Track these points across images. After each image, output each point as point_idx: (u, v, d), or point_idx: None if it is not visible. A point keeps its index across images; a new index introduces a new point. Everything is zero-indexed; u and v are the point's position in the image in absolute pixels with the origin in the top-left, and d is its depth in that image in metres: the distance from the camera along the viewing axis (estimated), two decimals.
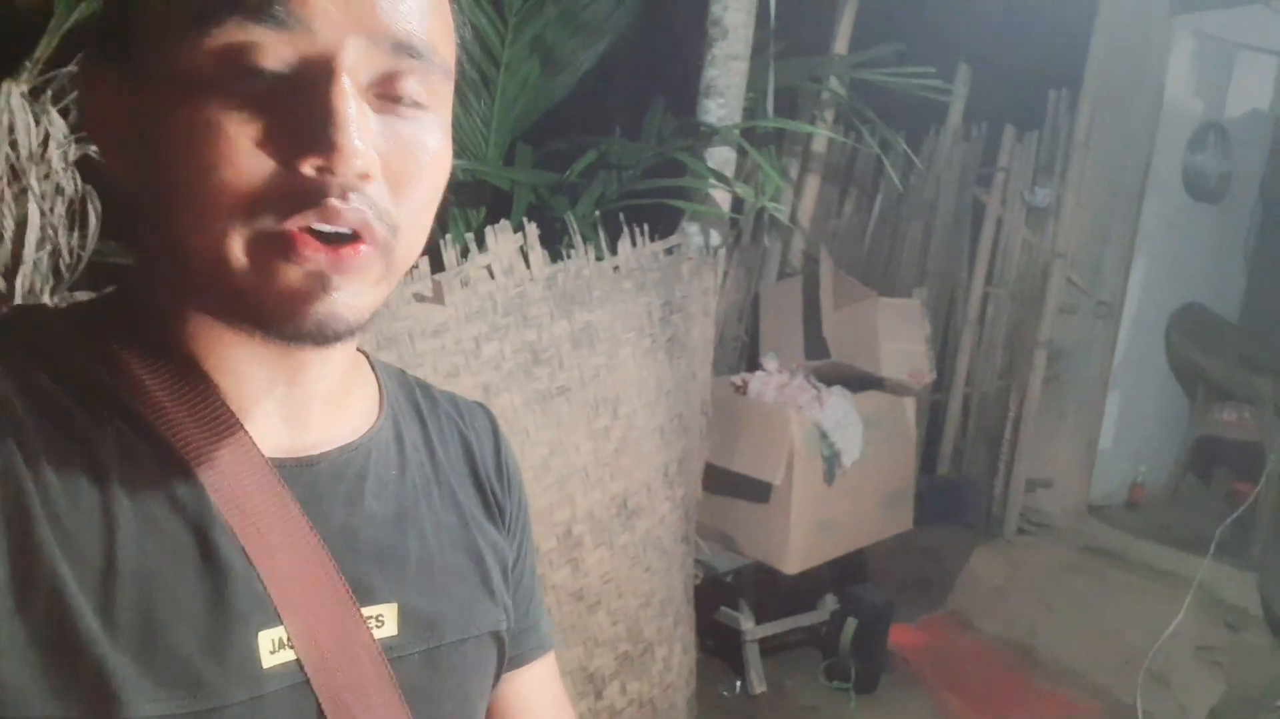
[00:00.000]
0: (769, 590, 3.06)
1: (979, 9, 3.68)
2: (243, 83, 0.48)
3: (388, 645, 0.60)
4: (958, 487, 4.26)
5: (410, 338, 1.80)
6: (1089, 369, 4.11)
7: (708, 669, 2.99)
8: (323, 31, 0.49)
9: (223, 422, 0.55)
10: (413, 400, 0.71)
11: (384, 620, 0.60)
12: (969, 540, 3.99)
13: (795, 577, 2.89)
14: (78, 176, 1.54)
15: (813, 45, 3.30)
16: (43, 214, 1.50)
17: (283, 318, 0.51)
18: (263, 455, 0.57)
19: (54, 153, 1.49)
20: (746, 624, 2.99)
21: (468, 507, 0.71)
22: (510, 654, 0.72)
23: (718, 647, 3.12)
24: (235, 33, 0.48)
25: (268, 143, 0.48)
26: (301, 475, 0.59)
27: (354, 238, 0.50)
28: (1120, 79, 3.93)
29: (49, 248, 1.53)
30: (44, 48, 1.52)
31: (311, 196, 0.49)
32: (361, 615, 0.59)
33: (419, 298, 1.82)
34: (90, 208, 1.56)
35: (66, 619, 0.48)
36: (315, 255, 0.49)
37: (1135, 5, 3.89)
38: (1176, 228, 4.28)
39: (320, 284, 0.50)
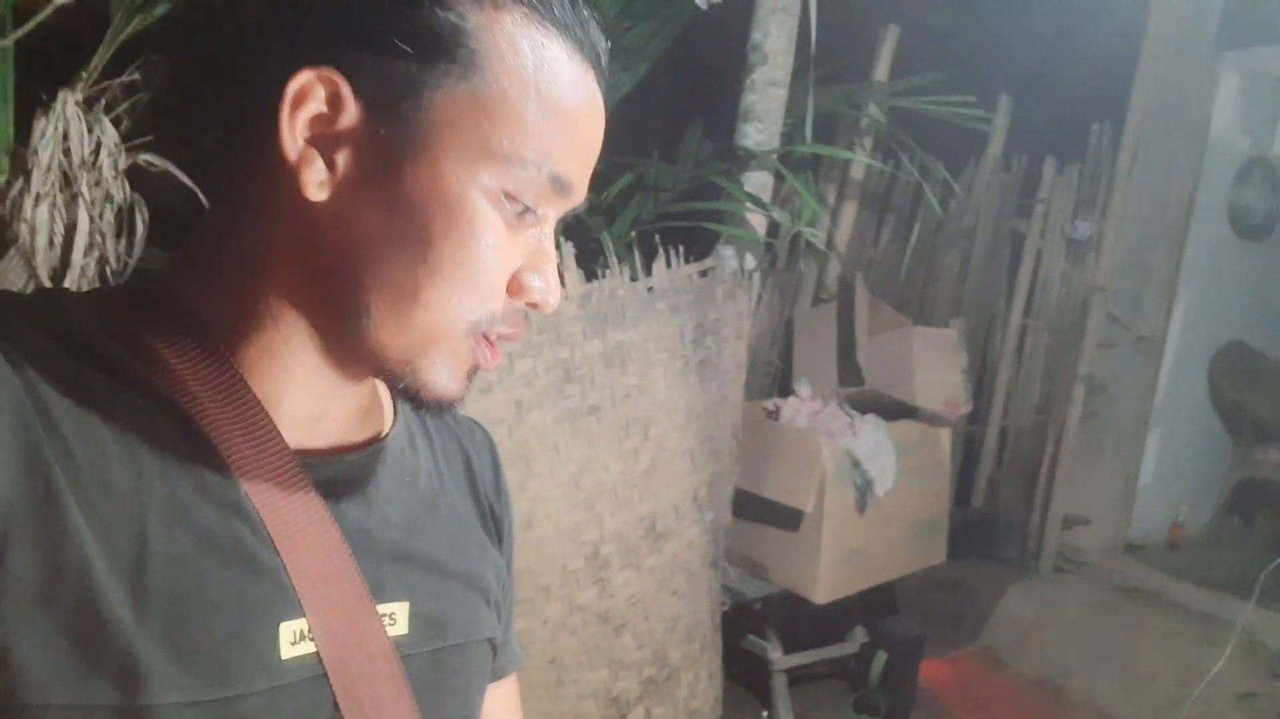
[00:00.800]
0: (798, 620, 3.02)
1: (1021, 41, 3.68)
2: (514, 215, 0.56)
3: (399, 643, 0.61)
4: (992, 521, 4.20)
5: None
6: (1129, 405, 4.05)
7: (733, 697, 2.95)
8: (574, 202, 0.59)
9: (253, 414, 0.56)
10: (419, 413, 0.73)
11: (396, 619, 0.61)
12: (1003, 576, 3.92)
13: (824, 607, 2.86)
14: (127, 185, 1.57)
15: (853, 72, 3.31)
16: (91, 220, 1.54)
17: (441, 395, 0.58)
18: (290, 450, 0.57)
19: (105, 161, 1.53)
20: (774, 653, 2.95)
21: (468, 519, 0.72)
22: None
23: (744, 675, 3.08)
24: (536, 184, 0.56)
25: (506, 270, 0.57)
26: (322, 473, 0.60)
27: None
28: (1164, 113, 3.89)
29: (96, 254, 1.56)
30: (99, 58, 1.56)
31: (514, 320, 0.59)
32: (377, 612, 0.60)
33: None
34: (139, 216, 1.60)
35: (96, 605, 0.48)
36: (492, 357, 0.59)
37: (1180, 40, 3.86)
38: (1221, 264, 4.22)
39: (473, 375, 0.59)
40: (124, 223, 1.58)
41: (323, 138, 0.53)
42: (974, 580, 3.85)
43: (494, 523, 0.75)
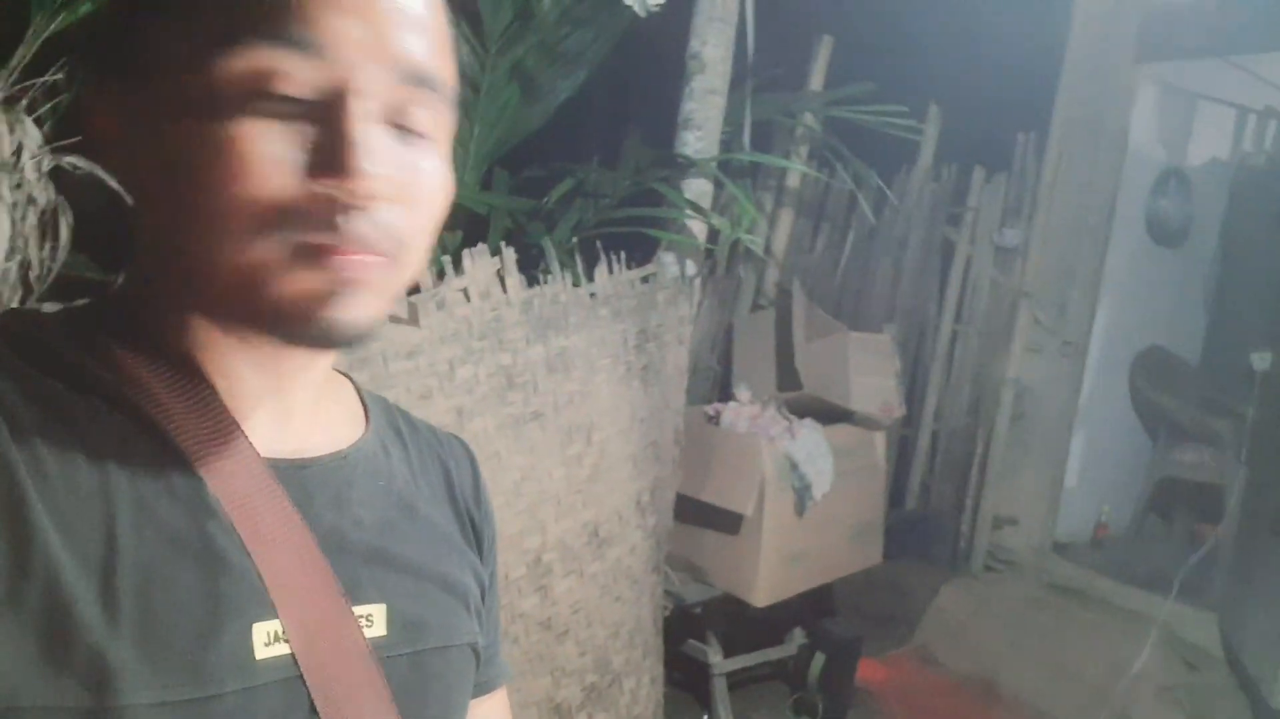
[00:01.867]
0: (738, 623, 3.04)
1: (950, 52, 3.76)
2: (264, 104, 0.50)
3: (377, 645, 0.60)
4: (925, 522, 4.28)
5: (384, 359, 1.79)
6: (1054, 408, 4.16)
7: (675, 702, 2.96)
8: (341, 58, 0.51)
9: (219, 418, 0.56)
10: (394, 423, 0.73)
11: (373, 620, 0.61)
12: (936, 576, 4.00)
13: (764, 610, 2.88)
14: (51, 187, 1.52)
15: (788, 82, 3.35)
16: (13, 224, 1.48)
17: (296, 320, 0.52)
18: (258, 453, 0.58)
19: (27, 162, 1.47)
20: (714, 657, 2.97)
21: (446, 527, 0.72)
22: (477, 680, 0.73)
23: (685, 679, 3.09)
24: (259, 57, 0.50)
25: (287, 162, 0.51)
26: (293, 477, 0.60)
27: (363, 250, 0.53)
28: (1086, 124, 4.02)
29: (18, 258, 1.50)
30: (19, 57, 1.50)
31: (325, 214, 0.51)
32: (353, 613, 0.59)
33: (394, 319, 1.81)
34: (62, 220, 1.54)
35: (64, 606, 0.48)
36: (332, 261, 0.51)
37: (1100, 53, 4.00)
38: (1140, 271, 4.37)
39: (332, 290, 0.52)
40: (47, 227, 1.53)
41: (116, 138, 0.55)
42: (908, 581, 3.92)
43: (475, 533, 0.75)
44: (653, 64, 2.77)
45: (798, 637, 3.19)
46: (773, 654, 3.16)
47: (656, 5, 2.45)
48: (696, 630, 2.98)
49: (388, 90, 0.53)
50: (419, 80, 0.54)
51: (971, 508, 4.17)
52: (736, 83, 2.70)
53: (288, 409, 0.61)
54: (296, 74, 0.50)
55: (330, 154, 0.51)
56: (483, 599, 0.74)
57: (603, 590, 2.29)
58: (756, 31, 2.71)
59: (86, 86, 0.56)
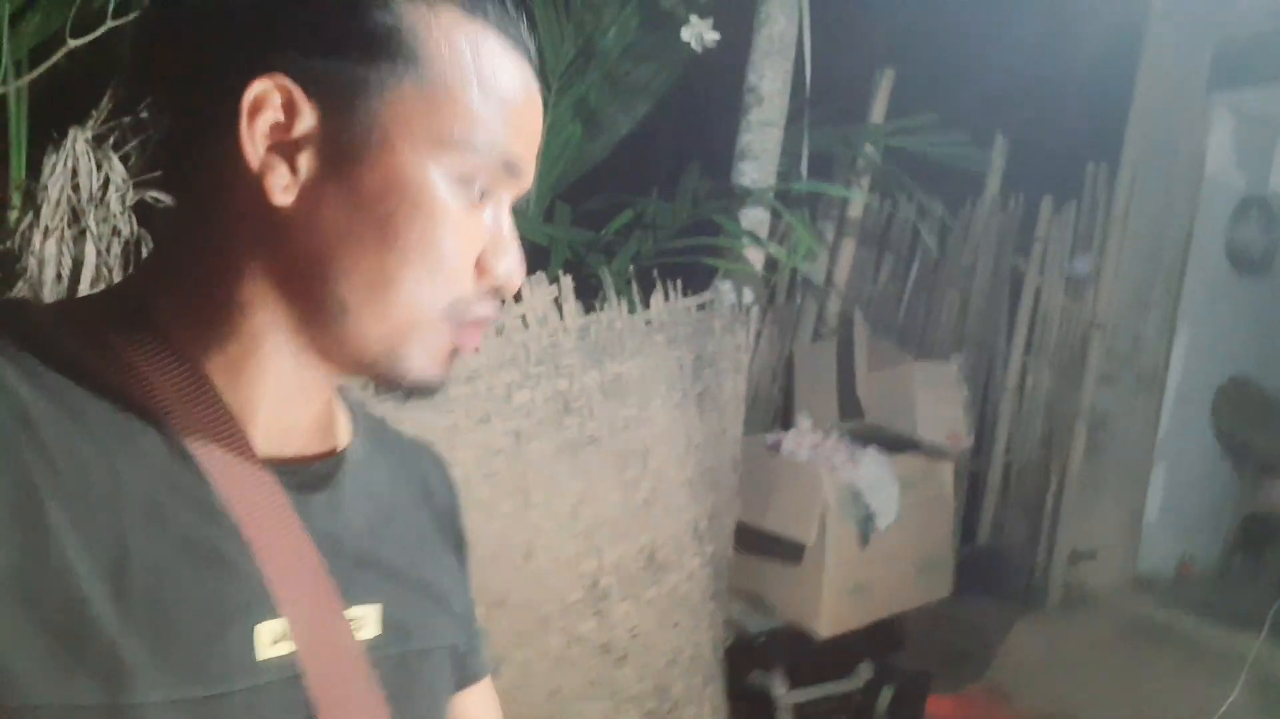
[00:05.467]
0: (802, 654, 3.00)
1: (1016, 82, 3.74)
2: (471, 199, 0.59)
3: (368, 646, 0.62)
4: (998, 556, 4.17)
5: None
6: (1132, 440, 4.04)
7: None
8: (523, 184, 0.63)
9: (224, 419, 0.57)
10: (373, 429, 0.74)
11: (366, 622, 0.63)
12: (1009, 612, 3.88)
13: (830, 642, 2.84)
14: (134, 220, 1.62)
15: (850, 114, 3.37)
16: (99, 254, 1.58)
17: (421, 382, 0.60)
18: (259, 456, 0.59)
19: (112, 196, 1.57)
20: (779, 689, 2.93)
21: (425, 530, 0.74)
22: (457, 674, 0.76)
23: (749, 710, 3.06)
24: (488, 166, 0.59)
25: (471, 252, 0.60)
26: (291, 479, 0.61)
27: None
28: (1159, 152, 3.94)
29: (103, 287, 1.59)
30: (109, 97, 1.61)
31: (489, 298, 0.62)
32: (346, 615, 0.61)
33: None
34: (145, 250, 1.64)
35: (79, 605, 0.49)
36: (471, 338, 0.61)
37: (1173, 81, 3.92)
38: (1220, 300, 4.24)
39: (453, 358, 0.62)
40: (130, 257, 1.62)
41: (283, 144, 0.55)
42: (980, 616, 3.82)
43: (454, 535, 0.78)
44: (711, 97, 2.82)
45: (865, 670, 3.13)
46: (839, 687, 3.11)
47: (713, 41, 2.51)
48: (761, 661, 2.95)
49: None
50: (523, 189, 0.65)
51: (1046, 542, 4.05)
52: (794, 115, 2.73)
53: (294, 417, 0.63)
54: (500, 190, 0.61)
55: (502, 247, 0.61)
56: (465, 596, 0.76)
57: (661, 616, 2.30)
58: (815, 65, 2.74)
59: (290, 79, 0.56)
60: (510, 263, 0.61)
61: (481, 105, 0.58)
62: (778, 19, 2.62)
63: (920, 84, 3.58)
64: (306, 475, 0.63)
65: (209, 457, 0.56)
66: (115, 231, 1.59)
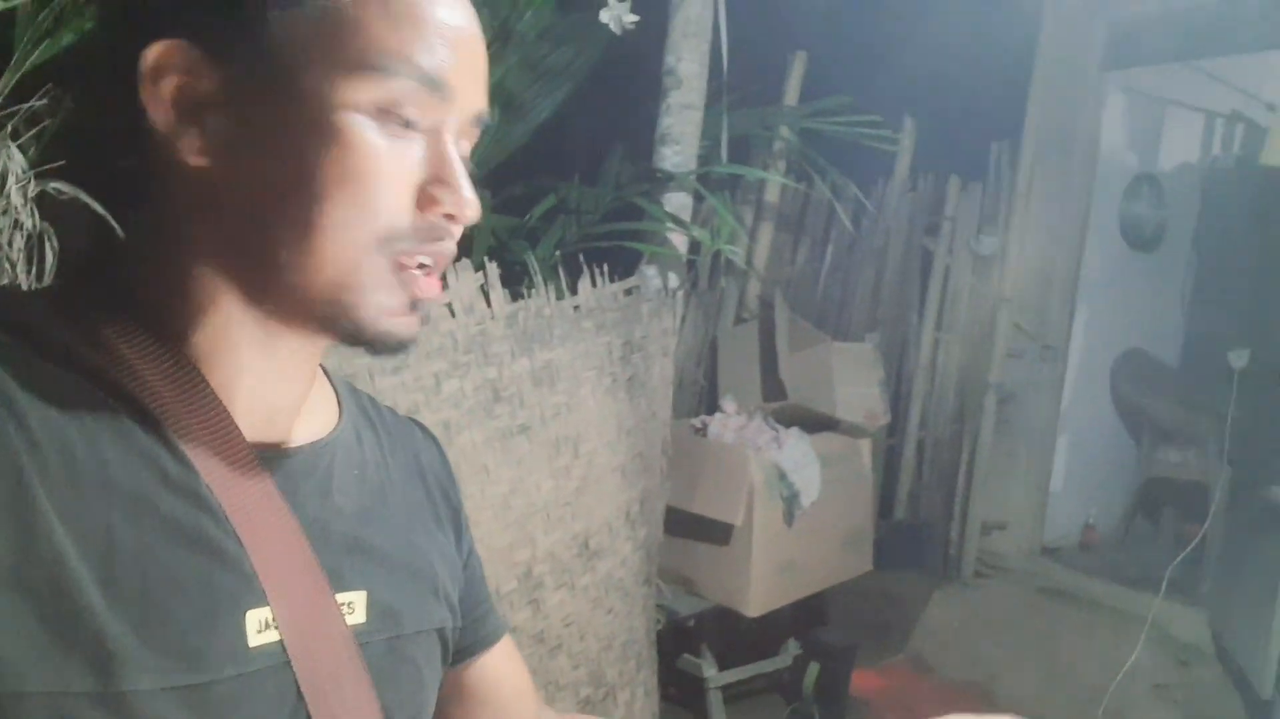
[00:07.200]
0: (731, 636, 3.04)
1: (923, 65, 3.82)
2: (396, 128, 0.55)
3: (357, 632, 0.62)
4: (915, 530, 4.30)
5: (370, 374, 1.80)
6: (1038, 413, 4.20)
7: (671, 717, 2.95)
8: (460, 104, 0.58)
9: (211, 407, 0.57)
10: (364, 409, 0.74)
11: (354, 608, 0.63)
12: (927, 584, 4.02)
13: (757, 622, 2.88)
14: (37, 213, 1.53)
15: (764, 97, 3.40)
16: (0, 249, 1.49)
17: (384, 333, 0.57)
18: (246, 442, 0.58)
19: (13, 188, 1.48)
20: (709, 671, 2.97)
21: (416, 509, 0.74)
22: (472, 639, 0.79)
23: (681, 694, 3.09)
24: (405, 89, 0.54)
25: (409, 186, 0.56)
26: (279, 465, 0.61)
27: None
28: (1057, 131, 4.08)
29: (5, 282, 1.51)
30: (3, 86, 1.51)
31: (434, 234, 0.57)
32: (336, 601, 0.61)
33: None
34: (48, 245, 1.55)
35: (68, 592, 0.49)
36: (429, 285, 0.58)
37: (1068, 60, 4.06)
38: (1117, 275, 4.42)
39: (413, 305, 0.58)
40: (34, 252, 1.54)
41: (190, 105, 0.54)
42: (900, 589, 3.93)
43: (449, 509, 0.77)
44: (632, 81, 2.81)
45: (792, 648, 3.19)
46: (767, 666, 3.16)
47: (631, 23, 2.49)
48: (691, 644, 2.98)
49: (466, 131, 0.60)
50: (478, 121, 0.60)
51: (960, 515, 4.19)
52: (713, 98, 2.74)
53: (278, 398, 0.62)
54: (428, 111, 0.56)
55: (447, 187, 0.57)
56: (456, 578, 0.76)
57: (594, 603, 2.29)
58: (730, 48, 2.75)
59: (183, 53, 0.54)
60: (455, 192, 0.57)
61: (383, 22, 0.54)
62: (694, 1, 2.62)
63: (830, 67, 3.63)
64: (296, 460, 0.62)
65: (195, 444, 0.56)
66: (17, 225, 1.50)
